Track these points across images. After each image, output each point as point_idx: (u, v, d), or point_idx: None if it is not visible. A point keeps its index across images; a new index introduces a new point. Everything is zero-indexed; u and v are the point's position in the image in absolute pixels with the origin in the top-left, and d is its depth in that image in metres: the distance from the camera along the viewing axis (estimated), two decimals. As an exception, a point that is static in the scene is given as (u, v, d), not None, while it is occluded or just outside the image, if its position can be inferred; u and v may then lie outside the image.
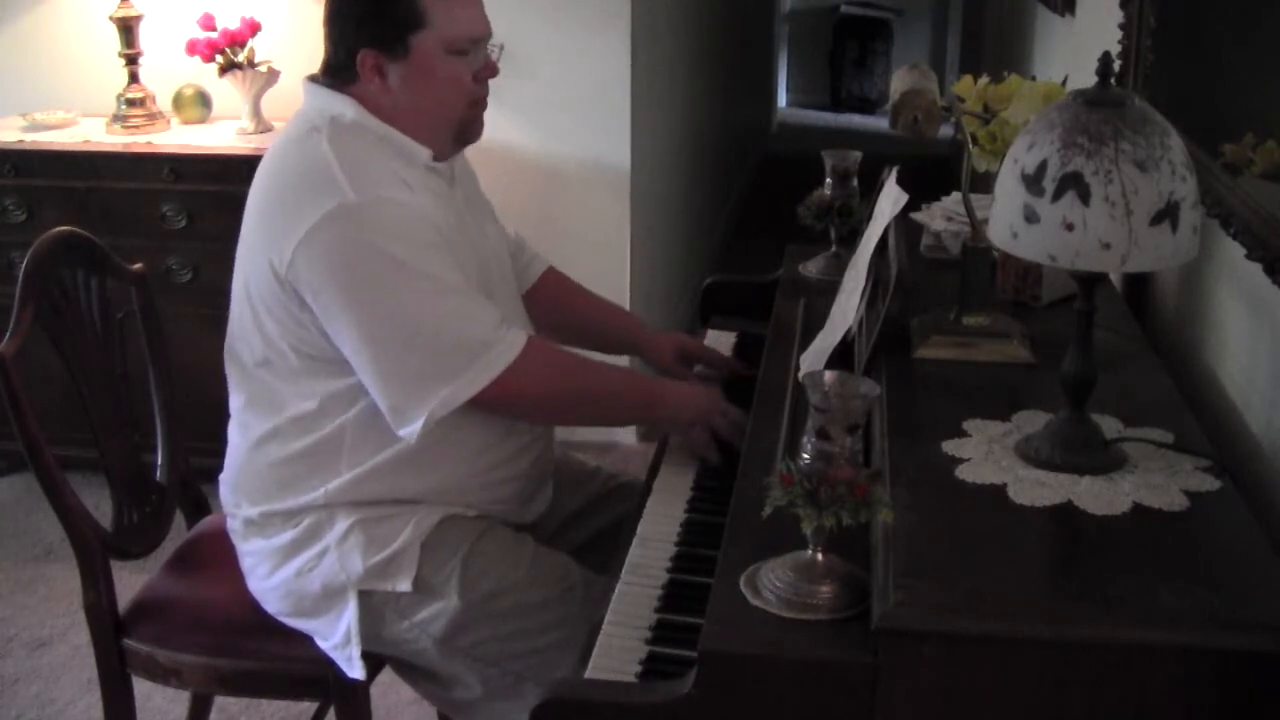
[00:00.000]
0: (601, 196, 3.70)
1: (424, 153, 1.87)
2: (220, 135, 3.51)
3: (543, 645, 1.85)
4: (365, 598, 1.86)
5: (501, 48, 1.93)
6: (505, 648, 1.86)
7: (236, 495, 1.98)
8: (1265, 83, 1.76)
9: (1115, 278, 2.25)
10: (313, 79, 1.90)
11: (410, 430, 1.79)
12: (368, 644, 1.88)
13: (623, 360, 2.70)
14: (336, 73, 1.87)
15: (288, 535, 1.90)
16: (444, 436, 1.83)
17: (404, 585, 1.84)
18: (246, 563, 1.99)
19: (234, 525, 2.00)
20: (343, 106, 1.85)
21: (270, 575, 1.93)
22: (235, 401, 1.98)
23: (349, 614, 1.86)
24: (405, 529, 1.86)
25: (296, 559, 1.89)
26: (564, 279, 2.28)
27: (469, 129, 1.92)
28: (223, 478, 2.02)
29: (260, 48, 3.51)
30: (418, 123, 1.86)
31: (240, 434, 1.96)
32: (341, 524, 1.87)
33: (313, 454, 1.87)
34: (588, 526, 2.15)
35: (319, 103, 1.87)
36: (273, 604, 1.95)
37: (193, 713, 2.30)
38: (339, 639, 1.88)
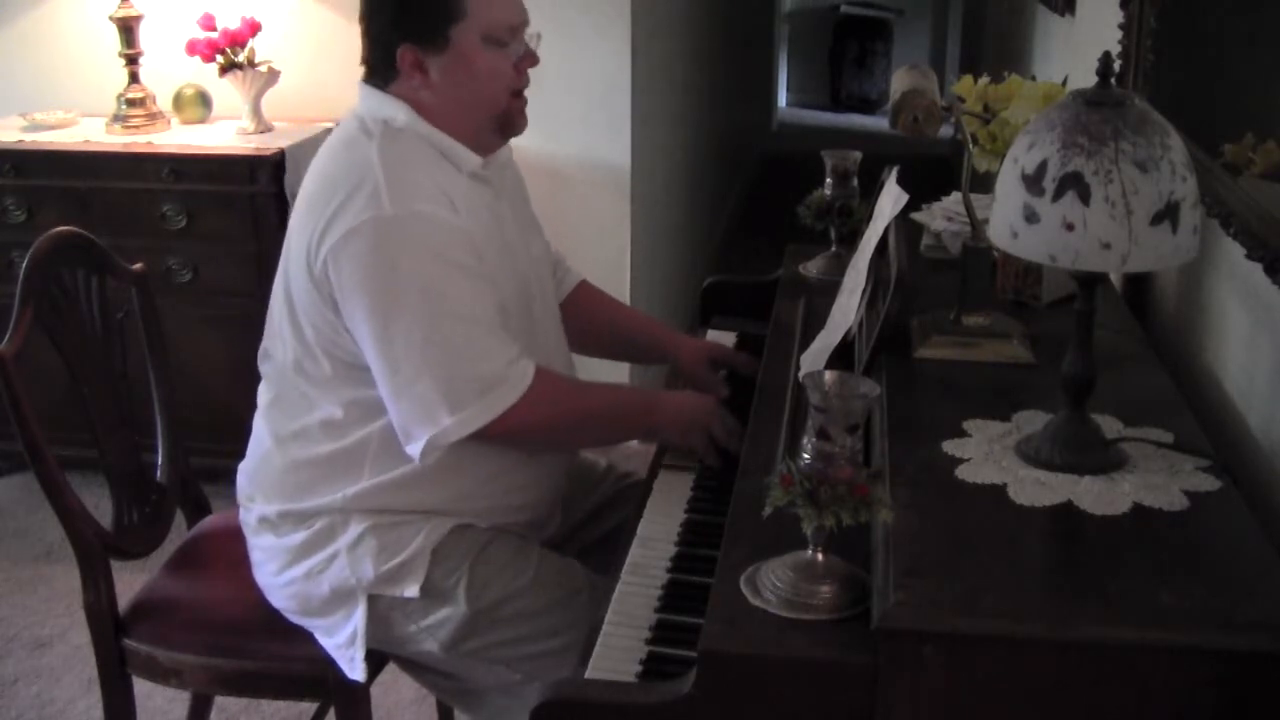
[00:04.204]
0: (601, 196, 3.70)
1: (473, 160, 1.86)
2: (220, 135, 3.50)
3: (551, 649, 1.86)
4: (373, 602, 1.86)
5: (539, 36, 1.92)
6: (512, 651, 1.87)
7: (253, 488, 1.98)
8: (1265, 83, 1.76)
9: (1115, 278, 2.25)
10: (367, 81, 1.90)
11: (413, 450, 1.79)
12: (372, 643, 1.88)
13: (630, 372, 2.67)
14: (377, 71, 1.87)
15: (300, 536, 1.90)
16: (467, 455, 1.83)
17: (412, 591, 1.84)
18: (255, 557, 1.99)
19: (246, 518, 2.00)
20: (395, 110, 1.84)
21: (279, 573, 1.93)
22: (265, 398, 1.98)
23: (357, 617, 1.86)
24: (417, 537, 1.86)
25: (307, 560, 1.89)
26: (596, 292, 2.28)
27: (513, 120, 1.91)
28: (242, 467, 2.02)
29: (260, 48, 3.50)
30: (461, 117, 1.85)
31: (266, 429, 1.96)
32: (355, 529, 1.87)
33: (337, 459, 1.87)
34: (597, 529, 2.16)
35: (372, 105, 1.86)
36: (278, 601, 1.95)
37: (193, 713, 2.30)
38: (343, 640, 1.88)
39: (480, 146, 1.89)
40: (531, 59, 1.90)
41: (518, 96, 1.90)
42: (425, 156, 1.83)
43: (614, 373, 3.21)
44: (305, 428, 1.89)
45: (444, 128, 1.85)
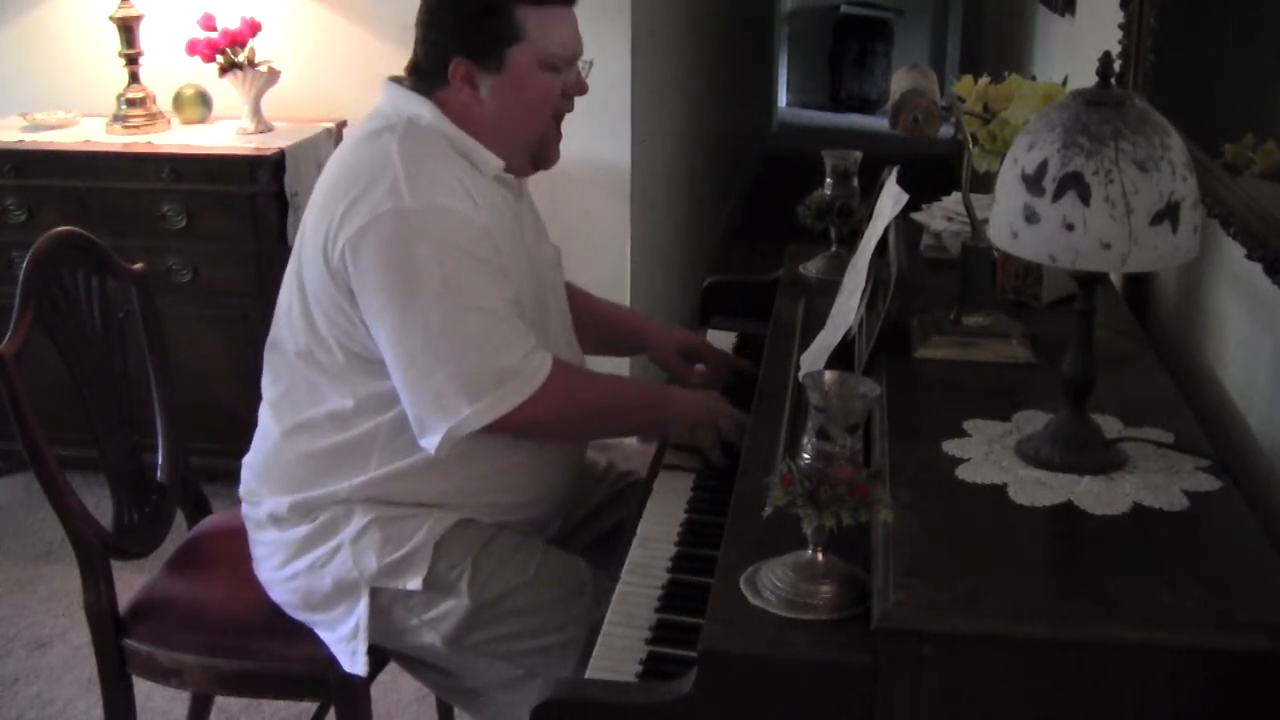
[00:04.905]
0: (601, 196, 3.70)
1: (496, 163, 1.87)
2: (220, 135, 3.50)
3: (553, 644, 1.86)
4: (375, 595, 1.87)
5: (590, 64, 1.93)
6: (513, 646, 1.87)
7: (258, 483, 1.98)
8: (1265, 83, 1.76)
9: (1115, 278, 2.25)
10: (396, 79, 1.90)
11: (429, 442, 1.80)
12: (374, 638, 1.88)
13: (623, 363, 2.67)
14: (424, 76, 1.87)
15: (303, 529, 1.91)
16: (475, 449, 1.83)
17: (414, 583, 1.85)
18: (258, 552, 1.99)
19: (249, 513, 2.00)
20: (421, 108, 1.85)
21: (282, 567, 1.93)
22: (272, 390, 1.97)
23: (359, 610, 1.86)
24: (421, 530, 1.86)
25: (310, 554, 1.90)
26: (576, 289, 2.28)
27: (548, 148, 1.93)
28: (247, 461, 2.02)
29: (260, 48, 3.50)
30: (499, 135, 1.87)
31: (273, 422, 1.96)
32: (358, 521, 1.87)
33: (344, 450, 1.88)
34: (597, 528, 2.16)
35: (398, 102, 1.87)
36: (280, 595, 1.96)
37: (193, 713, 2.30)
38: (345, 633, 1.88)
39: (510, 169, 1.90)
40: (580, 87, 1.92)
41: (557, 124, 1.91)
42: (447, 155, 1.84)
43: (614, 370, 3.21)
44: (313, 419, 1.89)
45: (475, 135, 1.86)
